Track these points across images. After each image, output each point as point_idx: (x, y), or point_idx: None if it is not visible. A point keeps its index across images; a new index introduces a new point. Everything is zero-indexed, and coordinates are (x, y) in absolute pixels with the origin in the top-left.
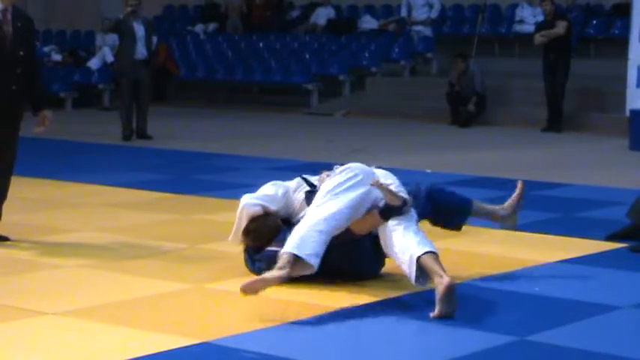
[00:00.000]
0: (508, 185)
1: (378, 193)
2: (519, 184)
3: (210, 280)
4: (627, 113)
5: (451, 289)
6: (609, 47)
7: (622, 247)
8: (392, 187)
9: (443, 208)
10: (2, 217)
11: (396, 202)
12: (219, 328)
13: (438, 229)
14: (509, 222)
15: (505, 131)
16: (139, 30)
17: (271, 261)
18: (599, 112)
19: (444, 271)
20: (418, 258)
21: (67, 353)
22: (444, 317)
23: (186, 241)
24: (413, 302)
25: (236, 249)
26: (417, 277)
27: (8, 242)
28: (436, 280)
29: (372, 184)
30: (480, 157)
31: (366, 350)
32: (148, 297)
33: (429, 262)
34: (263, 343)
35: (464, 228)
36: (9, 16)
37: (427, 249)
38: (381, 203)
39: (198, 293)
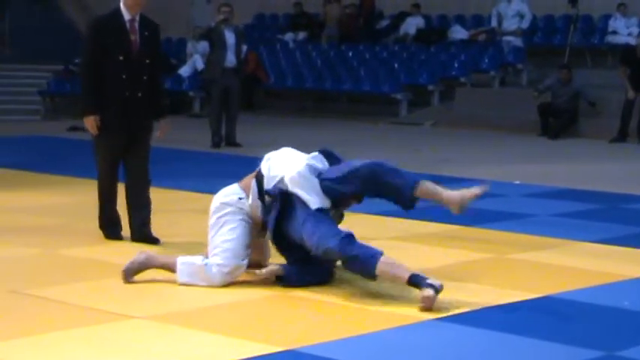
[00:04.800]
0: (596, 198)
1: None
2: (482, 187)
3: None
4: None
5: None
6: None
7: None
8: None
9: (385, 188)
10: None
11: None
12: (305, 335)
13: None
14: (452, 208)
15: (597, 144)
16: (230, 38)
17: None
18: None
19: None
20: None
21: (151, 357)
22: None
23: None
24: (492, 315)
25: None
26: None
27: (101, 247)
28: None
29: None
30: (569, 170)
31: None
32: (233, 303)
33: None
34: (349, 351)
35: (550, 240)
36: (136, 25)
37: None
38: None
39: (283, 300)
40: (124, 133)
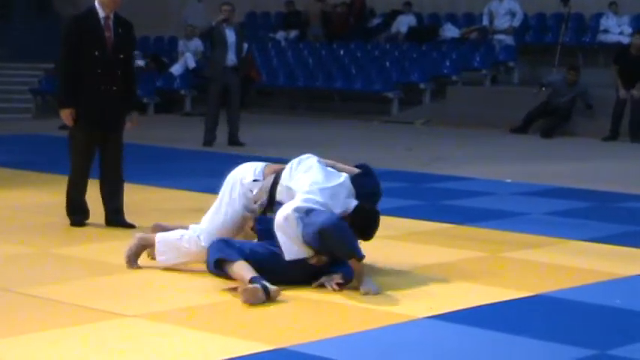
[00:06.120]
0: (589, 197)
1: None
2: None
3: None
4: None
5: None
6: None
7: None
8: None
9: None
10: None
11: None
12: (301, 333)
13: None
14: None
15: (589, 142)
16: (231, 37)
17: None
18: None
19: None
20: None
21: (143, 356)
22: None
23: None
24: (484, 314)
25: None
26: None
27: (93, 245)
28: None
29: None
30: (561, 168)
31: None
32: (228, 301)
33: None
34: (345, 350)
35: (543, 239)
36: (110, 23)
37: None
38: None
39: (280, 298)
40: (100, 125)
